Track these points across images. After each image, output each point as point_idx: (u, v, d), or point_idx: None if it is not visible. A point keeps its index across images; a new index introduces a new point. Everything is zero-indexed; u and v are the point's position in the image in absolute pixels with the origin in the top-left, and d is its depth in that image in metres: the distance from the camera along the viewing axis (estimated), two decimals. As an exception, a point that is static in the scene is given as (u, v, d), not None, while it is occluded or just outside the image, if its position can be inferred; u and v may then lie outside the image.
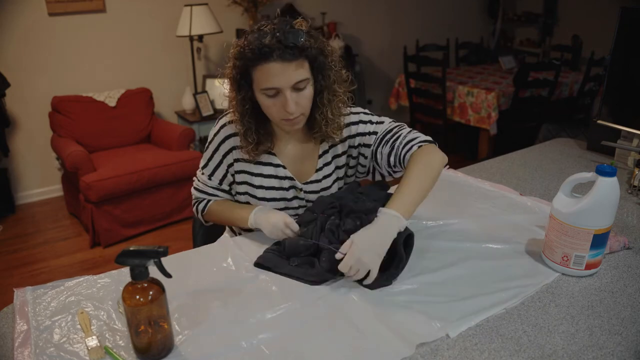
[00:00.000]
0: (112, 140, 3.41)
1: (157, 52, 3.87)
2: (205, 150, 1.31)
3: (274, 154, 1.26)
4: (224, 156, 1.27)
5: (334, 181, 1.31)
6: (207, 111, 3.75)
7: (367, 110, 1.30)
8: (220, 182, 1.31)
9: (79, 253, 2.97)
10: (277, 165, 1.26)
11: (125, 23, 3.68)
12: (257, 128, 1.19)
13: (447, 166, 1.68)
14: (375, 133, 1.25)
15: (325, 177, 1.29)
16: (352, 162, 1.32)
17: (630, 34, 1.56)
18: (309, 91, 1.13)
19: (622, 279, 1.06)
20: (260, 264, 1.11)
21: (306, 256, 1.11)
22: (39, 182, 3.69)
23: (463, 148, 4.64)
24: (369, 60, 5.11)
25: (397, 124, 1.28)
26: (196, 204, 1.37)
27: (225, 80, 1.18)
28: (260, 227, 1.21)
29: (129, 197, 3.04)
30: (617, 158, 1.72)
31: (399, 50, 4.48)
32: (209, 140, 1.30)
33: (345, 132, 1.27)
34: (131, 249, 0.81)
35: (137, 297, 0.82)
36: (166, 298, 0.86)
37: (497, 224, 1.30)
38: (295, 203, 1.30)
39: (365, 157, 1.29)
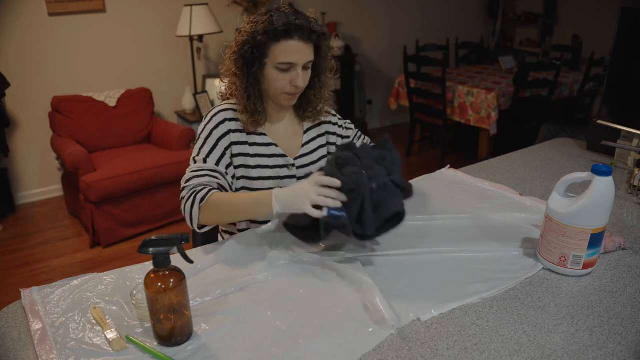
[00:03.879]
0: (112, 140, 3.41)
1: (157, 52, 3.88)
2: (196, 143, 1.30)
3: (265, 134, 1.34)
4: (219, 139, 1.28)
5: (320, 157, 1.43)
6: (207, 111, 3.74)
7: (334, 112, 1.47)
8: (217, 163, 1.26)
9: (79, 253, 2.97)
10: (269, 144, 1.34)
11: (125, 23, 3.69)
12: (256, 100, 1.28)
13: (449, 166, 1.70)
14: (347, 137, 1.47)
15: (312, 151, 1.41)
16: (325, 151, 1.47)
17: (630, 34, 1.56)
18: (309, 72, 1.27)
19: (622, 279, 1.06)
20: (286, 223, 1.16)
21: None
22: (39, 182, 3.69)
23: (463, 148, 4.64)
24: (369, 60, 5.11)
25: (357, 130, 1.53)
26: (192, 196, 1.17)
27: (228, 59, 1.27)
28: (287, 203, 1.09)
29: (129, 197, 3.04)
30: (617, 158, 1.72)
31: (399, 50, 4.48)
32: (198, 132, 1.31)
33: (328, 127, 1.45)
34: (153, 238, 0.86)
35: (159, 284, 0.85)
36: (186, 286, 0.88)
37: (493, 222, 1.30)
38: (286, 182, 1.36)
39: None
